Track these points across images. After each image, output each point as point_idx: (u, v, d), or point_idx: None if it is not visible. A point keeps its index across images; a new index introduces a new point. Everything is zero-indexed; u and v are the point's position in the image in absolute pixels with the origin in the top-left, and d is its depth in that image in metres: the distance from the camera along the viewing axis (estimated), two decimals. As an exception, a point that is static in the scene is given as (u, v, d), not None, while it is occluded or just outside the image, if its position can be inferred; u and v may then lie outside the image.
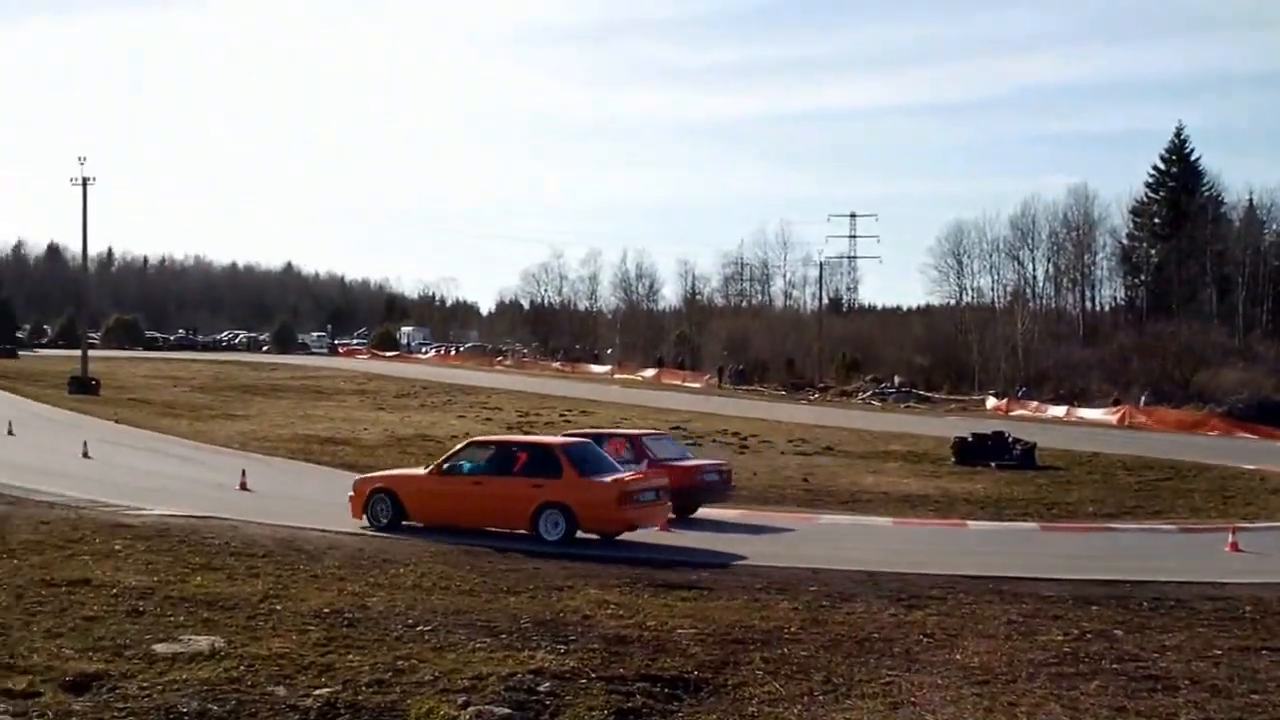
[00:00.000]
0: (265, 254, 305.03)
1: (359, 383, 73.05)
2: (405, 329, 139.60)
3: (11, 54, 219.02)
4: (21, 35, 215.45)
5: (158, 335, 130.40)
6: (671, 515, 22.44)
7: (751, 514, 26.01)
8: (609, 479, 19.94)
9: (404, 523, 20.85)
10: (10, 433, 37.41)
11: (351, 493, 21.61)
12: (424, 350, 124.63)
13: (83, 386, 58.91)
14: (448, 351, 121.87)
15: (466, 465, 21.04)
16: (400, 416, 52.63)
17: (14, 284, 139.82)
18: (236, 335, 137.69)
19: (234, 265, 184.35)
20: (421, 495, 21.02)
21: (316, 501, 25.35)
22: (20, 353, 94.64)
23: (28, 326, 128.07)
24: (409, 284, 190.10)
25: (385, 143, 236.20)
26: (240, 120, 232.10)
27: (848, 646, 11.87)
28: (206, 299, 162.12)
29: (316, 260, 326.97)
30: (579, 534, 19.62)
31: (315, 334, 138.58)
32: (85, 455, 31.94)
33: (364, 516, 21.00)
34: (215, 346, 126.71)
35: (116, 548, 16.36)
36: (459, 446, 22.44)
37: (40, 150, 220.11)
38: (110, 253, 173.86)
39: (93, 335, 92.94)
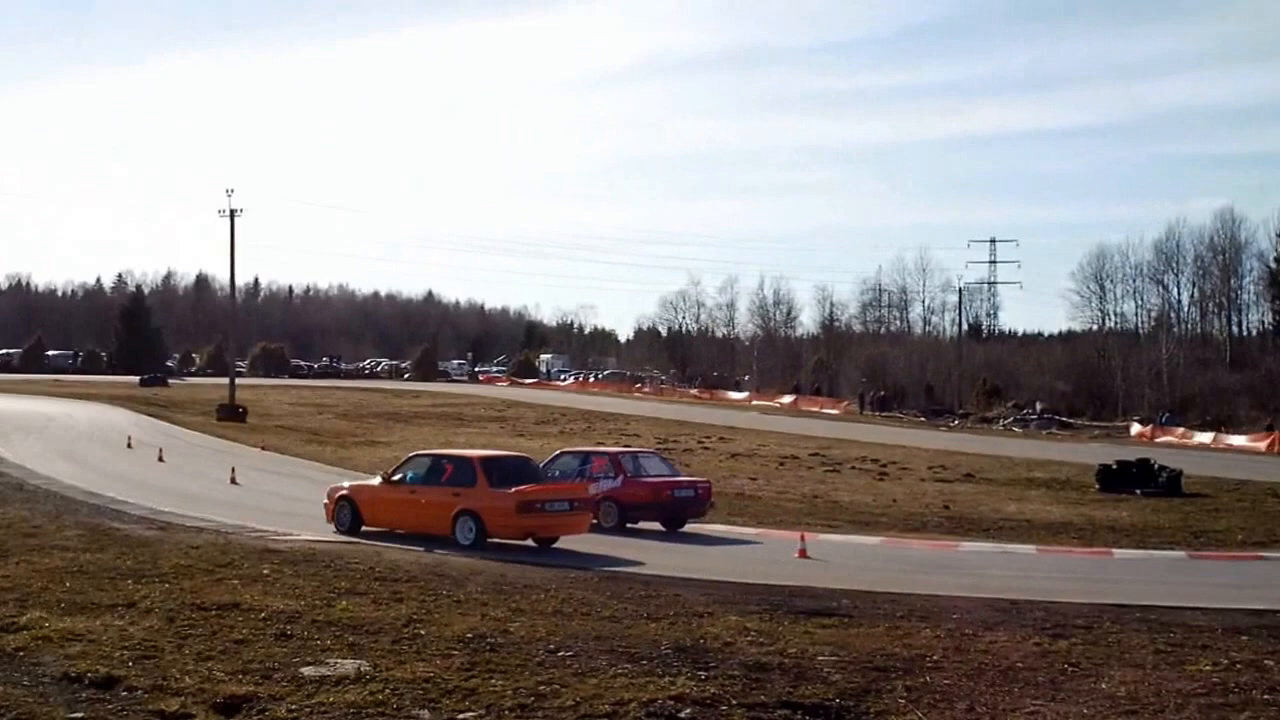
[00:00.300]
0: (407, 283, 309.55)
1: (499, 410, 73.71)
2: (544, 356, 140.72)
3: (161, 89, 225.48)
4: (171, 70, 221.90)
5: (302, 363, 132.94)
6: (658, 527, 25.79)
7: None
8: (512, 490, 21.63)
9: (362, 528, 23.10)
10: (161, 459, 38.42)
11: (326, 500, 23.91)
12: (563, 377, 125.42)
13: (230, 414, 60.24)
14: (586, 379, 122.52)
15: (408, 476, 23.24)
16: (540, 443, 52.92)
17: (164, 314, 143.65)
18: (379, 363, 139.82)
19: (376, 294, 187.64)
20: (373, 503, 23.36)
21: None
22: (170, 381, 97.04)
23: (177, 355, 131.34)
24: (548, 311, 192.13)
25: (524, 172, 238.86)
26: (382, 152, 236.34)
27: (991, 675, 11.69)
28: (349, 327, 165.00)
29: (457, 289, 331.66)
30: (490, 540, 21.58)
31: (456, 361, 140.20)
32: (233, 481, 32.68)
33: (333, 522, 23.46)
34: (358, 374, 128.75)
35: (264, 572, 16.69)
36: (404, 459, 24.83)
37: (189, 183, 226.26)
38: (256, 282, 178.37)
39: (240, 363, 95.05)
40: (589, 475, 26.58)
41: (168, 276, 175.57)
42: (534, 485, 22.32)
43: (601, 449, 31.07)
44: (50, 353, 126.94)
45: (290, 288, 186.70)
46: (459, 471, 22.61)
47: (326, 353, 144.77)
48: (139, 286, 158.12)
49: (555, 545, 22.15)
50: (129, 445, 43.34)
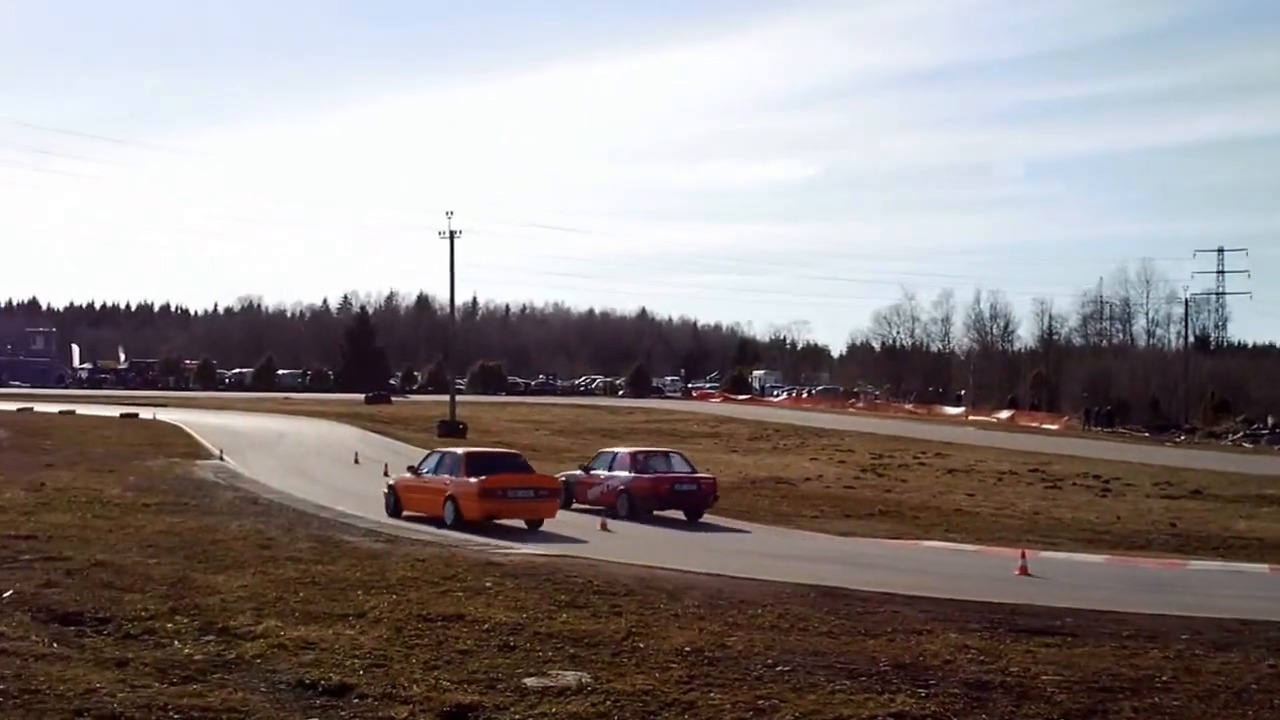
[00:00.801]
0: (620, 301, 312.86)
1: (712, 426, 73.88)
2: (757, 373, 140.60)
3: (384, 118, 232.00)
4: (394, 100, 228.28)
5: (519, 380, 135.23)
6: (680, 515, 30.32)
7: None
8: (479, 479, 26.39)
9: (403, 513, 27.95)
10: (386, 475, 39.45)
11: (384, 490, 29.29)
12: (776, 393, 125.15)
13: (451, 430, 61.59)
14: (800, 394, 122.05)
15: (424, 469, 28.48)
16: (754, 459, 52.95)
17: (387, 333, 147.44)
18: (594, 380, 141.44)
19: (591, 312, 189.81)
20: (406, 491, 28.53)
21: (671, 541, 25.91)
22: (393, 398, 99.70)
23: (399, 373, 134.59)
24: (760, 328, 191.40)
25: (735, 190, 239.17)
26: (596, 174, 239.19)
27: (1224, 698, 11.30)
28: (565, 345, 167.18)
29: (669, 306, 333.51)
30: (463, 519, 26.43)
31: (669, 378, 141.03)
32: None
33: (386, 508, 28.38)
34: (573, 391, 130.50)
35: (487, 584, 17.01)
36: (425, 455, 30.83)
37: (412, 207, 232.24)
38: (475, 301, 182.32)
39: (459, 381, 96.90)
40: (615, 468, 31.51)
41: (390, 297, 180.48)
42: (499, 475, 26.80)
43: (628, 448, 34.64)
44: (280, 372, 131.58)
45: (507, 306, 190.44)
46: (451, 464, 27.65)
47: (542, 370, 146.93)
48: (364, 307, 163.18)
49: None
50: (355, 461, 44.66)
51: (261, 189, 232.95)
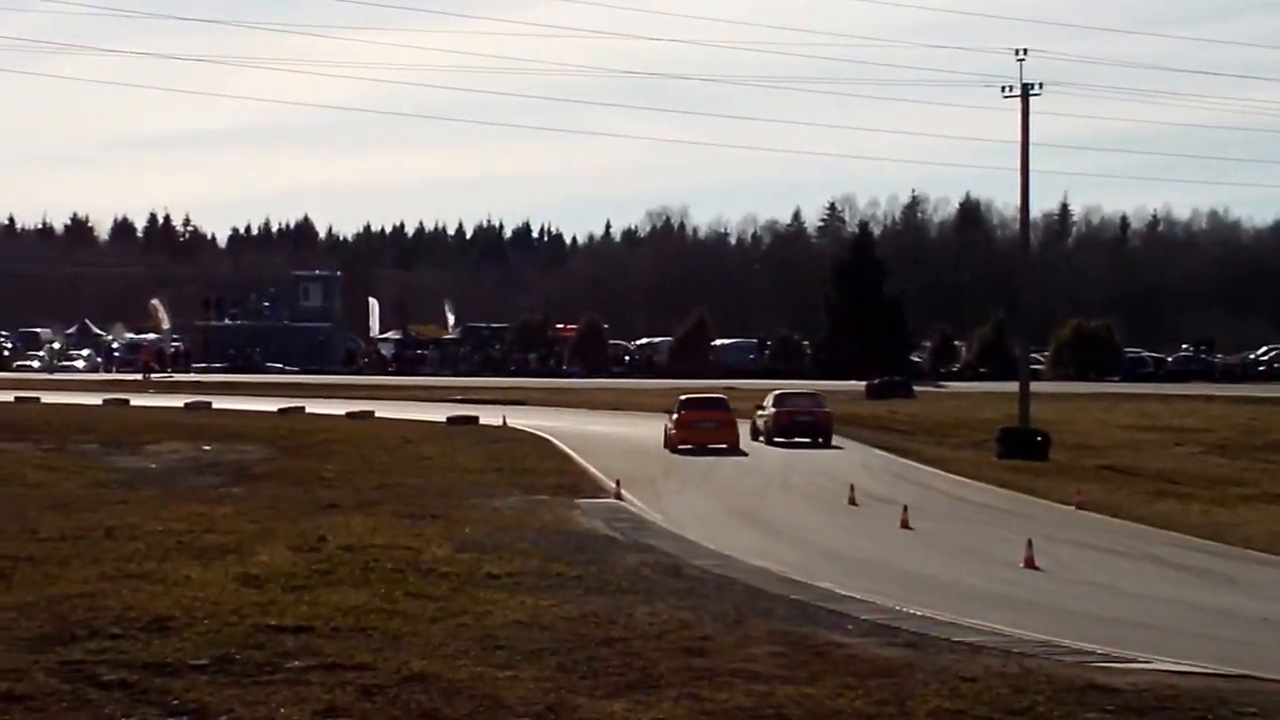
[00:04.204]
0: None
1: None
2: None
3: None
4: None
5: (1143, 354, 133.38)
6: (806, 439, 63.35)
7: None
8: (683, 413, 61.71)
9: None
10: (905, 524, 39.56)
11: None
12: None
13: (1019, 445, 61.10)
14: None
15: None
16: None
17: (903, 271, 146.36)
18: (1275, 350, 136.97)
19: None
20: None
21: None
22: (915, 388, 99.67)
23: (927, 344, 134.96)
24: None
25: None
26: None
27: None
28: (1225, 288, 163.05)
29: None
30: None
31: None
32: (1029, 564, 33.20)
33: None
34: (1240, 372, 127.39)
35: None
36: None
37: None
38: (1065, 211, 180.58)
39: (1036, 355, 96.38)
40: (769, 406, 66.87)
41: (913, 204, 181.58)
42: (695, 411, 61.80)
43: (779, 389, 73.17)
44: (719, 342, 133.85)
45: (1123, 219, 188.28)
46: (711, 404, 64.71)
47: (1183, 334, 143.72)
48: (863, 224, 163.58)
49: None
50: (851, 500, 44.94)
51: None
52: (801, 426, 65.36)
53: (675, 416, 61.36)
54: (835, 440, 64.04)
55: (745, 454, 60.79)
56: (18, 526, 31.75)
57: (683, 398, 64.76)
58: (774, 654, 20.68)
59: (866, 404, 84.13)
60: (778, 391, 70.38)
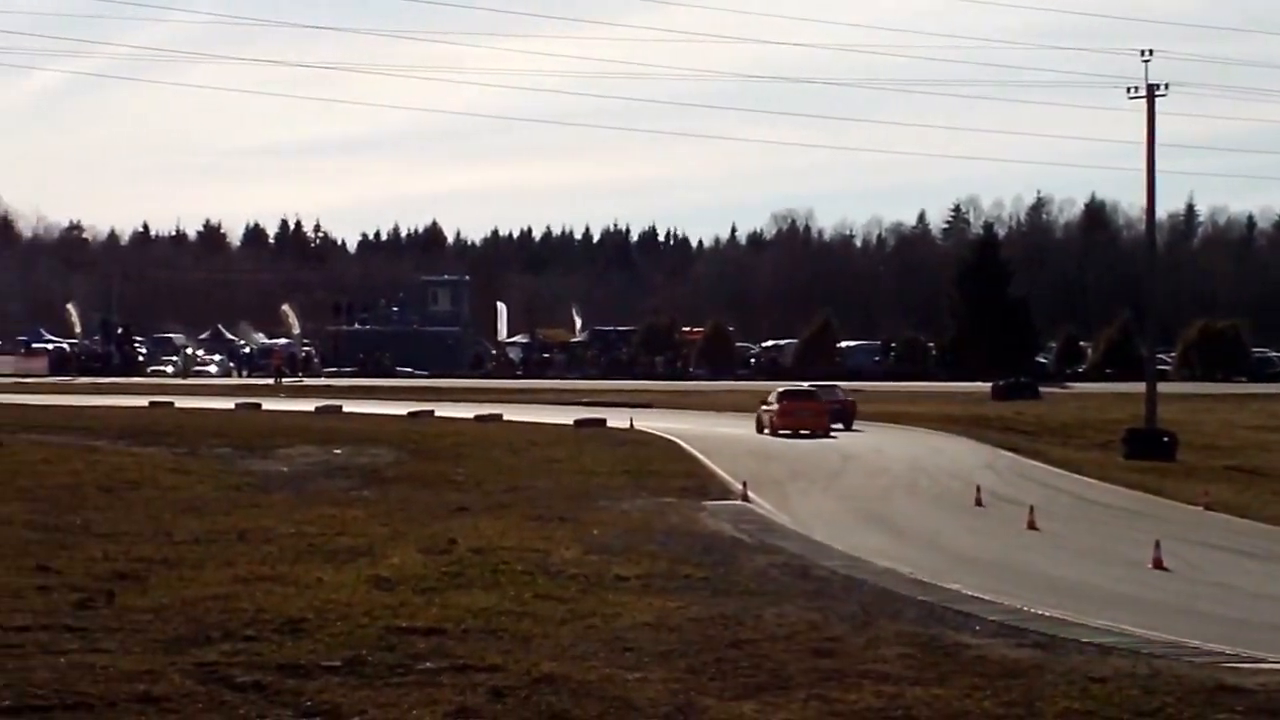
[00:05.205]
0: None
1: None
2: None
3: None
4: None
5: (1270, 354, 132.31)
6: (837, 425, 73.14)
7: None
8: (783, 404, 71.25)
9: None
10: (1032, 525, 39.40)
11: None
12: None
13: (1146, 446, 60.77)
14: None
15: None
16: None
17: (1028, 273, 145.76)
18: None
19: None
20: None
21: None
22: (1041, 389, 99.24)
23: (1052, 345, 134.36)
24: None
25: None
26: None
27: None
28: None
29: None
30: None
31: None
32: (1157, 564, 32.97)
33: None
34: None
35: (1217, 729, 16.70)
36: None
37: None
38: (1190, 212, 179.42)
39: (1163, 355, 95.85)
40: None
41: (1038, 205, 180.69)
42: (793, 401, 71.51)
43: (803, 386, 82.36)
44: (845, 344, 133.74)
45: (1249, 219, 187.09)
46: (803, 394, 74.88)
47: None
48: (988, 225, 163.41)
49: None
50: (978, 502, 44.81)
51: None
52: (838, 413, 75.02)
53: (776, 406, 70.74)
54: (961, 442, 63.83)
55: (834, 437, 69.84)
56: (153, 530, 32.07)
57: (780, 389, 75.36)
58: (903, 655, 20.65)
59: (992, 405, 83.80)
60: (814, 385, 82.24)
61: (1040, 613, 25.96)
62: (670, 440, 60.68)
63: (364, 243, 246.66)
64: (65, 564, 26.83)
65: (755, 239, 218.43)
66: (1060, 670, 20.02)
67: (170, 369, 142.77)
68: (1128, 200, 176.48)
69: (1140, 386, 70.68)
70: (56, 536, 30.83)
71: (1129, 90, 66.96)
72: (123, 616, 21.68)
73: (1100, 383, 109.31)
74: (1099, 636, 23.41)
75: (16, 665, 17.98)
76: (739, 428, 68.84)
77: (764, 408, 72.33)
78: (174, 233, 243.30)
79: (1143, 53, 66.88)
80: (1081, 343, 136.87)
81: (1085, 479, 53.27)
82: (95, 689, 16.78)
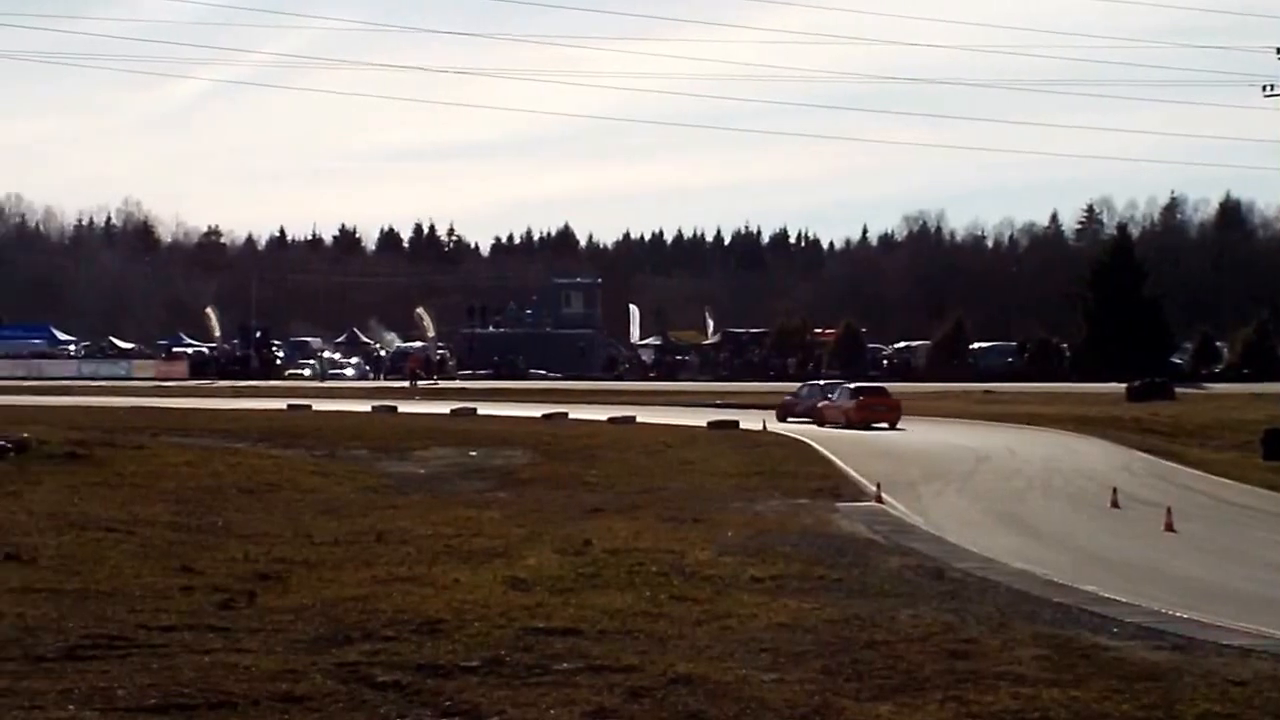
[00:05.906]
0: None
1: None
2: None
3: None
4: None
5: None
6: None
7: None
8: (861, 399, 76.89)
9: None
10: (1170, 528, 39.12)
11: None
12: None
13: (1284, 445, 60.42)
14: None
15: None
16: None
17: (1164, 270, 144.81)
18: None
19: None
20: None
21: None
22: (1176, 389, 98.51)
23: (1188, 345, 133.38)
24: None
25: None
26: None
27: None
28: None
29: None
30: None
31: None
32: (1303, 563, 32.80)
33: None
34: None
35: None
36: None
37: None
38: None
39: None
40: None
41: (1172, 205, 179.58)
42: (869, 397, 77.60)
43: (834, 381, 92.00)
44: (977, 345, 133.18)
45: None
46: (838, 390, 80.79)
47: None
48: (1122, 226, 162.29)
49: None
50: (1114, 503, 44.50)
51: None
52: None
53: (854, 401, 76.72)
54: (1096, 443, 63.41)
55: (903, 429, 73.12)
56: (293, 531, 32.40)
57: (852, 386, 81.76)
58: (1039, 657, 20.56)
59: (1127, 406, 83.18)
60: (831, 381, 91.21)
61: (1178, 614, 25.70)
62: (803, 441, 60.61)
63: (496, 246, 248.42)
64: (208, 564, 27.21)
65: (886, 240, 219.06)
66: (1199, 673, 19.88)
67: (308, 372, 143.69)
68: (1264, 199, 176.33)
69: (1278, 387, 70.18)
70: (199, 537, 31.29)
71: (1265, 89, 66.65)
72: (264, 617, 21.98)
73: (1237, 383, 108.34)
74: (1239, 639, 23.18)
75: (162, 664, 18.25)
76: (870, 429, 68.60)
77: (824, 403, 78.41)
78: (310, 237, 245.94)
79: (1278, 51, 66.45)
80: (1217, 343, 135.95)
81: (1223, 480, 52.78)
82: (239, 688, 17.05)
